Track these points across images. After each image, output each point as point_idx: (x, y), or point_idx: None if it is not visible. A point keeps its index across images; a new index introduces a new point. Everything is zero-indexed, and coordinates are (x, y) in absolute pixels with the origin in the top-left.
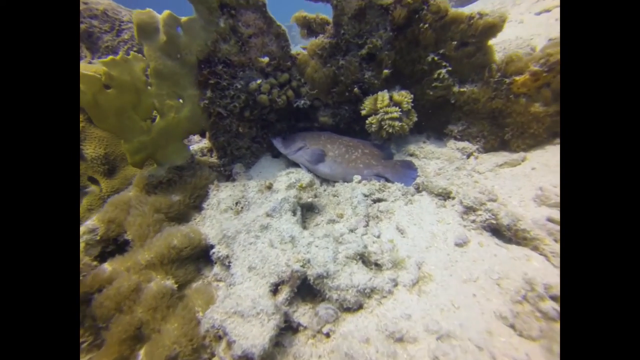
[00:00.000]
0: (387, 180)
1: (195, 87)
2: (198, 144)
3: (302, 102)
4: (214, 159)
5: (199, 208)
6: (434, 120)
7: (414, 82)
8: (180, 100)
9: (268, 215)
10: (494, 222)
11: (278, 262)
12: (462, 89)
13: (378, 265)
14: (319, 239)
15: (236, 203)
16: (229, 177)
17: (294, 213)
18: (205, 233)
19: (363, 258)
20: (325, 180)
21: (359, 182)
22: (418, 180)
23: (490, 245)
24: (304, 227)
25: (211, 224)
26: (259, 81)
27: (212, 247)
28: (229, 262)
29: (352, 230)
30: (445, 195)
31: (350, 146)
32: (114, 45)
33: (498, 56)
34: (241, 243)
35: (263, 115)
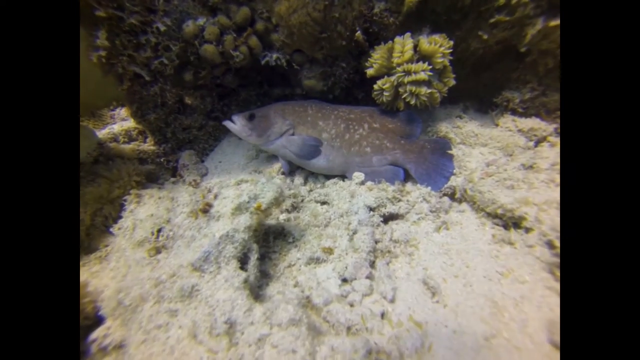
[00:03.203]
0: (405, 172)
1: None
2: (125, 121)
3: (275, 56)
4: (148, 146)
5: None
6: (476, 81)
7: (453, 22)
8: None
9: (195, 268)
10: None
11: None
12: (551, 23)
13: None
14: (280, 328)
15: (158, 231)
16: (176, 172)
17: (243, 261)
18: (101, 288)
19: None
20: (311, 172)
21: (361, 183)
22: (455, 181)
23: None
24: (265, 278)
25: (117, 266)
26: (200, 21)
27: (100, 320)
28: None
29: (346, 281)
30: (508, 220)
31: (351, 120)
32: None
33: None
34: (143, 325)
35: (216, 79)
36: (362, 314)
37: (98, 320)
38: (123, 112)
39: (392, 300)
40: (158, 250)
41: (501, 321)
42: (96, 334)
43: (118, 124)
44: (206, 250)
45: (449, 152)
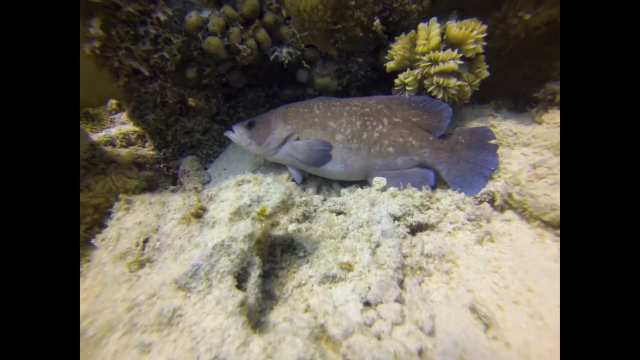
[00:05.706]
0: (437, 174)
1: None
2: (124, 125)
3: (285, 51)
4: (148, 150)
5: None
6: (513, 75)
7: (486, 5)
8: None
9: (180, 286)
10: None
11: None
12: None
13: None
14: None
15: (144, 241)
16: (177, 180)
17: (242, 278)
18: None
19: None
20: (325, 180)
21: (382, 189)
22: (493, 186)
23: None
24: (270, 300)
25: (92, 284)
26: (205, 14)
27: None
28: None
29: (369, 305)
30: None
31: (367, 115)
32: None
33: None
34: None
35: (222, 77)
36: (395, 352)
37: None
38: (124, 116)
39: (431, 333)
40: (142, 265)
41: None
42: None
43: (117, 128)
44: (195, 264)
45: (491, 142)
